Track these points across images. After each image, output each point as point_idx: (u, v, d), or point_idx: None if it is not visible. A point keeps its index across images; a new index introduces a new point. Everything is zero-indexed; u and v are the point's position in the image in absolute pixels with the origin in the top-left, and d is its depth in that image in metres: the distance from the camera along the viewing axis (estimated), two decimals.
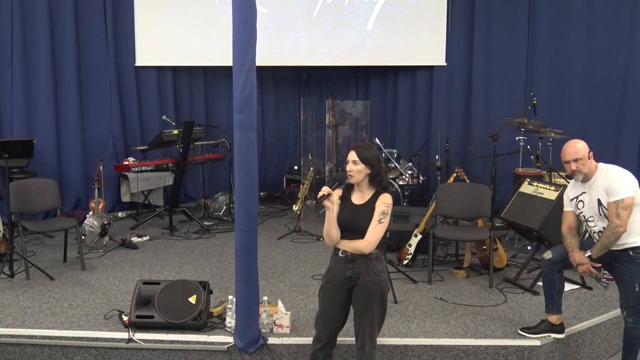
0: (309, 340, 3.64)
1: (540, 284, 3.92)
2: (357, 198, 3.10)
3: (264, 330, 3.75)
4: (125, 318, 3.89)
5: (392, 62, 7.62)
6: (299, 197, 6.54)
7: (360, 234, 3.02)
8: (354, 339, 3.16)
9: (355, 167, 3.04)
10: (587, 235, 3.91)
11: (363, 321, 3.07)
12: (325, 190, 2.96)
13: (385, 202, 3.05)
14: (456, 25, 7.29)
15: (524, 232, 5.19)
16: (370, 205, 3.06)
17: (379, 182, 3.09)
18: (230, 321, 3.80)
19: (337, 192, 3.11)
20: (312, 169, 6.90)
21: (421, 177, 6.78)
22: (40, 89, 6.65)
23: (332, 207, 3.02)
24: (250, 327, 3.56)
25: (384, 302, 3.10)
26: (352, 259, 3.04)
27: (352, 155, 3.06)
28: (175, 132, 6.62)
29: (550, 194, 4.83)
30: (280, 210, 7.62)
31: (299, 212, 6.44)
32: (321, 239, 6.17)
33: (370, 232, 3.01)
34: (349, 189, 3.14)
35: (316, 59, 7.63)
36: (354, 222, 3.04)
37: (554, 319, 3.76)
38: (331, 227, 3.04)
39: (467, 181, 5.57)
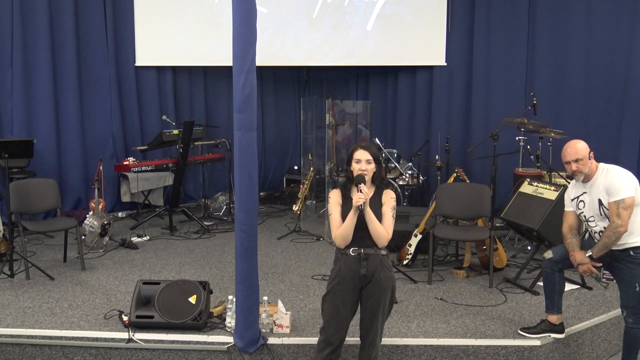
0: (308, 340, 3.66)
1: (541, 284, 3.92)
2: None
3: (264, 330, 3.74)
4: (125, 318, 3.88)
5: (392, 62, 7.63)
6: (299, 197, 6.55)
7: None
8: (354, 338, 3.16)
9: (369, 167, 3.06)
10: (587, 235, 3.91)
11: (376, 317, 3.09)
12: (366, 194, 2.95)
13: (393, 197, 3.10)
14: (456, 25, 7.29)
15: (524, 232, 5.18)
16: (376, 201, 3.08)
17: (380, 179, 3.14)
18: (230, 321, 3.80)
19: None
20: (312, 169, 6.89)
21: (421, 177, 6.77)
22: (40, 89, 6.65)
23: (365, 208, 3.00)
24: (250, 327, 3.56)
25: (394, 297, 3.16)
26: (365, 257, 3.04)
27: (366, 155, 3.06)
28: (175, 132, 6.62)
29: (550, 194, 4.83)
30: (280, 210, 7.63)
31: (299, 212, 6.44)
32: (321, 239, 6.17)
33: (389, 225, 3.04)
34: (347, 188, 3.14)
35: (316, 59, 7.63)
36: (364, 220, 3.04)
37: (554, 318, 3.76)
38: (353, 228, 3.02)
39: (467, 181, 5.57)
